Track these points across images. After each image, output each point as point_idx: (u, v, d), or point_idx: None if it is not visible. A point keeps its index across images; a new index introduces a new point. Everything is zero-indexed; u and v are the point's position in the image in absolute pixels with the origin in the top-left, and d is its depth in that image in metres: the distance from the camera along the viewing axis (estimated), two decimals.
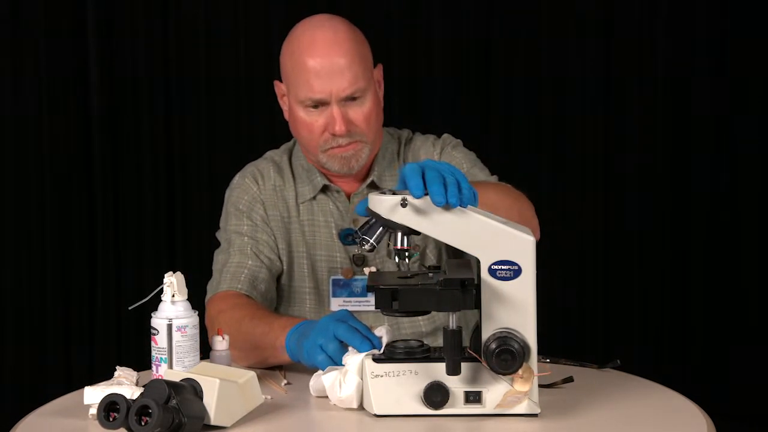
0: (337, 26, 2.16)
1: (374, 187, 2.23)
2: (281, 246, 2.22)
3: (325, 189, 2.24)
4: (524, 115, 3.67)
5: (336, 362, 1.76)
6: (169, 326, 1.77)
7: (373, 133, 2.18)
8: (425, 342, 1.73)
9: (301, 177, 2.26)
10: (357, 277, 2.18)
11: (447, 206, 1.65)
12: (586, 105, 3.66)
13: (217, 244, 2.27)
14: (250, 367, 1.96)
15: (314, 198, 2.24)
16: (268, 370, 1.97)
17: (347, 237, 2.17)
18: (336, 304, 2.18)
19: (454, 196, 1.64)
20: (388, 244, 1.70)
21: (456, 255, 1.87)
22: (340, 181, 2.25)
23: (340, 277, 2.18)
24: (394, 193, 1.67)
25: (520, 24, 3.65)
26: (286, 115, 2.24)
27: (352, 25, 2.19)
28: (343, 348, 1.77)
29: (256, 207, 2.24)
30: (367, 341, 1.74)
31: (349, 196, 2.24)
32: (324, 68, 2.10)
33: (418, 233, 1.67)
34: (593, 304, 3.70)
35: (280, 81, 2.23)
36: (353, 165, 2.17)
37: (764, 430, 3.61)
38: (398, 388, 1.66)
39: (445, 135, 2.32)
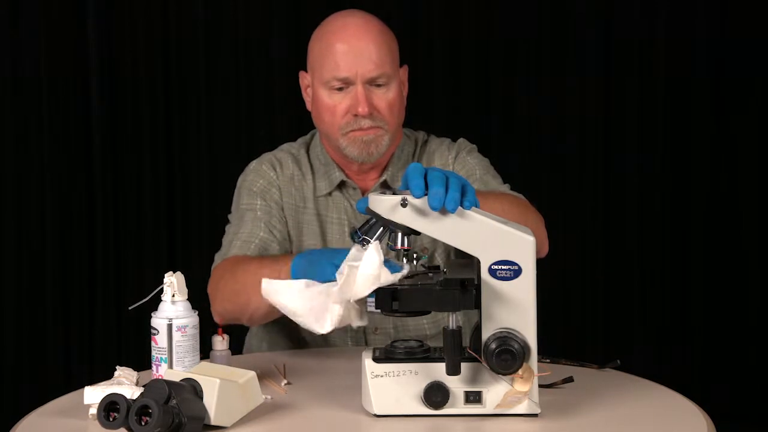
0: (368, 17, 2.19)
1: (386, 186, 2.23)
2: (292, 234, 2.22)
3: (341, 186, 2.24)
4: (524, 115, 3.67)
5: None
6: (169, 326, 1.77)
7: (394, 123, 2.18)
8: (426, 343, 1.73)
9: (319, 171, 2.26)
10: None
11: (443, 211, 1.64)
12: (586, 105, 3.66)
13: (214, 236, 2.27)
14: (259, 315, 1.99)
15: (330, 194, 2.24)
16: (268, 369, 1.98)
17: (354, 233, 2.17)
18: None
19: (453, 201, 1.61)
20: (388, 244, 1.70)
21: (463, 258, 1.87)
22: (356, 178, 2.25)
23: None
24: (394, 193, 1.67)
25: (520, 24, 3.65)
26: (309, 106, 2.25)
27: (383, 22, 2.22)
28: None
29: (271, 191, 2.24)
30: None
31: (364, 194, 2.24)
32: (352, 49, 2.13)
33: (418, 233, 1.67)
34: (593, 304, 3.70)
35: (304, 73, 2.24)
36: (372, 151, 2.17)
37: (764, 430, 3.61)
38: (398, 388, 1.66)
39: (461, 140, 2.33)
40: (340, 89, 2.15)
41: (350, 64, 2.13)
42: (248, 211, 2.21)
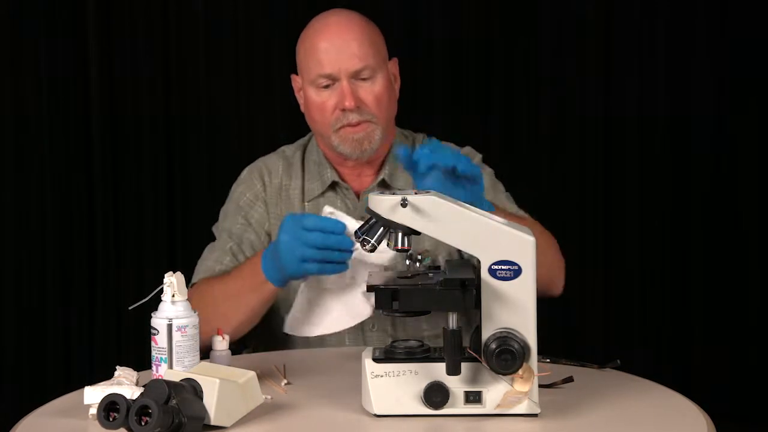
0: (350, 14, 2.23)
1: (384, 185, 2.24)
2: None
3: (334, 186, 2.25)
4: (524, 115, 3.67)
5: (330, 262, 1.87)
6: (169, 326, 1.77)
7: (384, 115, 2.20)
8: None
9: (312, 172, 2.27)
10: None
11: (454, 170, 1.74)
12: (586, 105, 3.66)
13: (213, 236, 2.31)
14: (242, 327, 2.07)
15: (322, 194, 2.25)
16: (268, 369, 1.98)
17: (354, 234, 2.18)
18: None
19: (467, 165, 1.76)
20: (388, 244, 1.70)
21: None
22: (352, 177, 2.25)
23: None
24: (393, 193, 1.67)
25: (520, 24, 3.65)
26: (302, 108, 2.27)
27: (366, 18, 2.24)
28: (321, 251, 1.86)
29: (256, 205, 2.26)
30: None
31: (357, 194, 2.25)
32: (334, 46, 2.16)
33: (418, 233, 1.67)
34: (593, 304, 3.70)
35: (295, 76, 2.28)
36: (365, 147, 2.18)
37: (764, 430, 3.61)
38: (398, 388, 1.66)
39: (468, 149, 2.34)
40: (326, 87, 2.17)
41: (333, 60, 2.15)
42: (225, 233, 2.26)
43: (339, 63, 2.15)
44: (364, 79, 2.17)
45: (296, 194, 2.27)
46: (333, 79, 2.16)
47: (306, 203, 2.26)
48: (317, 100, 2.19)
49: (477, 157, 2.32)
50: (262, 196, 2.27)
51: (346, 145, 2.18)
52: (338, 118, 2.17)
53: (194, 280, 2.22)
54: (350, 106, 2.15)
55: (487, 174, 2.30)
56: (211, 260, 2.23)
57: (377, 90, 2.18)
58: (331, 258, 1.87)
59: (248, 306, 2.07)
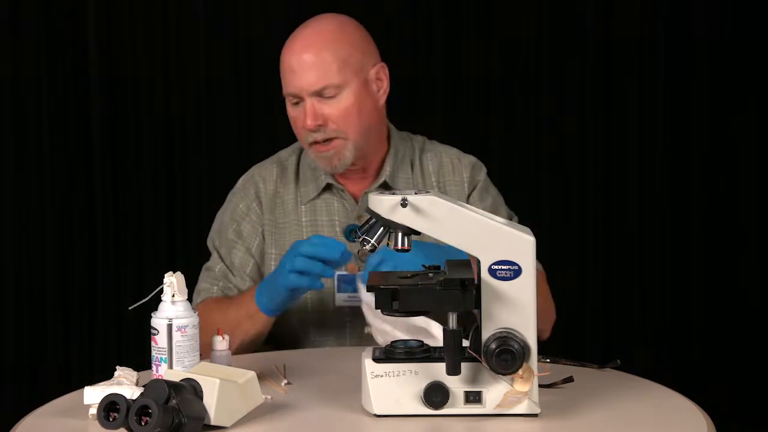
0: (323, 25, 2.20)
1: (386, 186, 2.24)
2: (272, 251, 2.24)
3: (329, 188, 2.25)
4: (524, 116, 3.67)
5: (310, 273, 1.94)
6: (169, 326, 1.77)
7: (355, 128, 2.18)
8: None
9: (306, 176, 2.28)
10: (362, 272, 2.20)
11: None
12: (586, 105, 3.65)
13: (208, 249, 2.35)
14: (239, 351, 2.09)
15: (318, 196, 2.25)
16: (268, 369, 1.98)
17: (351, 233, 2.19)
18: (341, 299, 2.20)
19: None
20: (388, 244, 1.71)
21: None
22: (347, 180, 2.26)
23: (345, 272, 2.19)
24: (393, 193, 1.67)
25: (520, 24, 3.65)
26: None
27: (345, 23, 2.21)
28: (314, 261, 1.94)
29: (248, 217, 2.28)
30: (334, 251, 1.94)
31: (354, 196, 2.25)
32: (298, 64, 2.16)
33: (418, 233, 1.67)
34: (593, 304, 3.70)
35: None
36: (335, 164, 2.20)
37: (764, 430, 3.61)
38: (398, 388, 1.66)
39: (477, 163, 2.33)
40: (296, 104, 2.19)
41: (296, 80, 2.16)
42: (216, 252, 2.29)
43: (300, 82, 2.16)
44: (329, 97, 2.16)
45: (290, 199, 2.27)
46: (298, 98, 2.18)
47: (302, 207, 2.27)
48: (292, 115, 2.22)
49: (483, 172, 2.33)
50: (254, 207, 2.28)
51: (319, 161, 2.22)
52: (307, 135, 2.19)
53: (194, 302, 2.25)
54: (310, 126, 2.16)
55: (492, 195, 2.31)
56: (207, 282, 2.28)
57: (344, 106, 2.16)
58: (312, 269, 1.92)
59: (245, 333, 2.13)
